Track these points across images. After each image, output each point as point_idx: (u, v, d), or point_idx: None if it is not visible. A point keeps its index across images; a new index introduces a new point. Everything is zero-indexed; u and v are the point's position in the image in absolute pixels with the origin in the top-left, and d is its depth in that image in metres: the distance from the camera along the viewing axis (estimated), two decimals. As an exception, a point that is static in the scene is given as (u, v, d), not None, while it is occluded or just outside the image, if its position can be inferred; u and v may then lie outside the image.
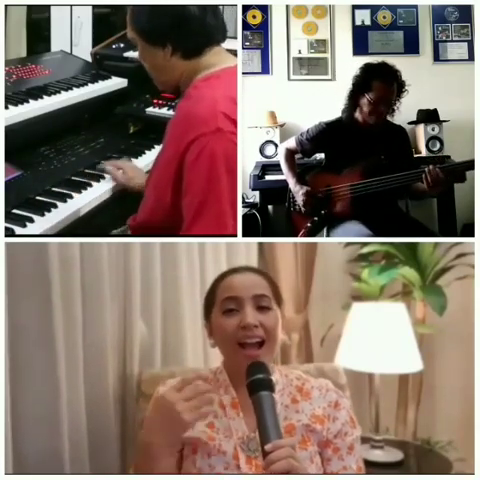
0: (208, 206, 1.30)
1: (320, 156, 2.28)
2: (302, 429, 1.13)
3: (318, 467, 1.13)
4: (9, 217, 1.45)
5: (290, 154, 2.18)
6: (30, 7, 2.03)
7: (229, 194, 1.30)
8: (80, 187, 1.62)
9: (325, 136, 2.07)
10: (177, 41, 1.33)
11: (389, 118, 2.04)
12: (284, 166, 2.17)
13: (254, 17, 2.74)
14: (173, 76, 1.39)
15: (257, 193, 2.59)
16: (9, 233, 1.41)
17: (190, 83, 1.38)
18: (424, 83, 2.68)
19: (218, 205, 1.30)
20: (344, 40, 2.76)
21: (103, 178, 1.68)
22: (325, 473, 1.13)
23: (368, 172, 1.99)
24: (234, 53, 1.46)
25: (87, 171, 1.70)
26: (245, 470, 1.08)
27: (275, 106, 2.70)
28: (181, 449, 1.13)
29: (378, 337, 1.82)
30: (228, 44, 1.45)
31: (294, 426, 1.13)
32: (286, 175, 2.16)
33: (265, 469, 0.93)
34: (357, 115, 2.02)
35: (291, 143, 2.17)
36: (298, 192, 2.08)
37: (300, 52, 2.77)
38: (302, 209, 2.07)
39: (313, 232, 2.07)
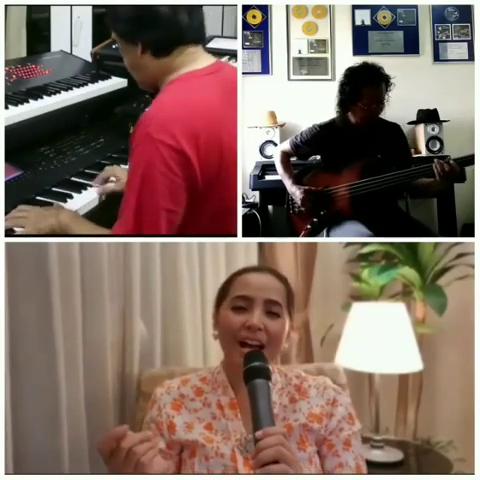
0: (121, 211, 1.31)
1: (317, 157, 2.27)
2: (300, 429, 1.12)
3: (317, 468, 1.12)
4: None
5: (285, 157, 2.18)
6: (30, 7, 2.03)
7: (137, 198, 1.26)
8: (80, 187, 1.62)
9: (319, 138, 2.07)
10: (146, 39, 1.33)
11: (381, 114, 2.04)
12: (280, 168, 2.17)
13: (254, 17, 2.74)
14: (147, 75, 1.39)
15: (257, 193, 2.60)
16: (9, 233, 1.41)
17: (164, 84, 1.37)
18: (424, 83, 2.69)
19: (124, 211, 1.29)
20: (344, 40, 2.76)
21: (103, 178, 1.68)
22: (323, 472, 1.12)
23: (365, 171, 1.99)
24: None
25: (87, 171, 1.70)
26: (243, 472, 1.08)
27: (275, 106, 2.70)
28: (180, 452, 1.14)
29: (378, 337, 1.82)
30: (228, 44, 1.45)
31: (292, 426, 1.13)
32: (282, 177, 2.16)
33: (253, 458, 0.90)
34: (351, 118, 2.02)
35: (286, 146, 2.17)
36: (295, 192, 2.08)
37: (300, 52, 2.77)
38: (301, 208, 2.07)
39: (313, 234, 2.07)
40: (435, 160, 1.85)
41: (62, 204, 1.55)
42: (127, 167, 1.69)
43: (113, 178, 1.65)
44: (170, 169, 1.25)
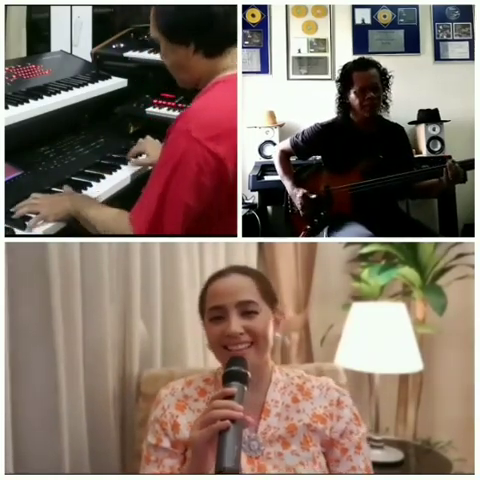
0: (144, 195, 1.33)
1: (318, 157, 2.25)
2: (304, 429, 1.13)
3: (322, 468, 1.12)
4: (9, 217, 1.45)
5: (285, 156, 2.14)
6: (30, 7, 2.03)
7: (164, 187, 1.29)
8: (80, 187, 1.62)
9: (321, 138, 2.04)
10: (200, 40, 1.34)
11: (385, 115, 2.03)
12: (279, 168, 2.14)
13: (253, 16, 2.74)
14: (193, 74, 1.40)
15: (256, 194, 2.58)
16: (9, 233, 1.41)
17: (208, 83, 1.39)
18: (425, 83, 2.68)
19: (147, 196, 1.32)
20: (344, 39, 2.75)
21: (103, 178, 1.68)
22: (332, 473, 1.13)
23: (367, 172, 1.98)
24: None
25: (87, 171, 1.70)
26: (247, 470, 1.08)
27: (274, 106, 2.69)
28: (184, 451, 1.14)
29: (378, 337, 1.82)
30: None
31: (296, 426, 1.13)
32: (282, 178, 2.12)
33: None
34: (352, 116, 2.01)
35: (286, 145, 2.13)
36: (295, 195, 2.05)
37: (300, 51, 2.76)
38: (300, 212, 2.06)
39: (313, 234, 2.05)
40: (448, 162, 1.85)
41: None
42: (156, 141, 1.76)
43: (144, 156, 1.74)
44: (201, 169, 1.28)
